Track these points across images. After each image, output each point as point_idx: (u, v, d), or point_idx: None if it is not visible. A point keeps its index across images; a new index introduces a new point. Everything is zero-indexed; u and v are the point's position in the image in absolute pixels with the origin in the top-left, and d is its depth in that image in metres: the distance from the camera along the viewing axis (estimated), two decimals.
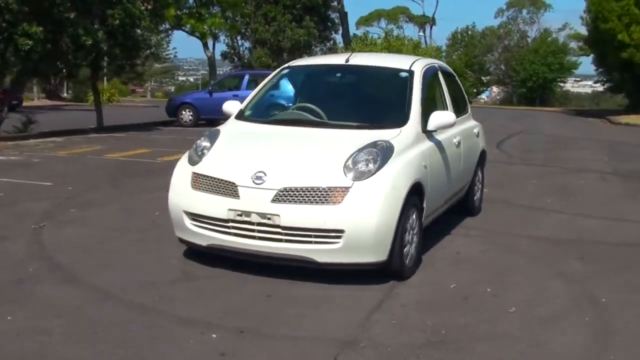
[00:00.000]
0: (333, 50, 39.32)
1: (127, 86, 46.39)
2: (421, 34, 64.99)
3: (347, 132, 5.40)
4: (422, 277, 5.10)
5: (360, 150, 4.91)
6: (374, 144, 4.99)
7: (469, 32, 76.18)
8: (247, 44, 35.35)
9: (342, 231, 4.63)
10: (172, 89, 64.50)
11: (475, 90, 63.78)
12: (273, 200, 4.71)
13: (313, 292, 4.70)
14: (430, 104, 5.88)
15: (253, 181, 4.79)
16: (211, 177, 5.00)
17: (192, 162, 5.24)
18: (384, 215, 4.70)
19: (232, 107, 6.12)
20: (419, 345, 3.85)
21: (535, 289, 4.94)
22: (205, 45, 28.29)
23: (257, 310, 4.35)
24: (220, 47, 68.20)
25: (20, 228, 6.29)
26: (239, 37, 34.33)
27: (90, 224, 6.56)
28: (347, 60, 6.23)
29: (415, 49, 30.36)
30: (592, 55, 61.01)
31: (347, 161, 4.83)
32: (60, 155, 11.81)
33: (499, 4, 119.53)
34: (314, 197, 4.69)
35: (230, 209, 4.82)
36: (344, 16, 34.42)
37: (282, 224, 4.67)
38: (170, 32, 23.98)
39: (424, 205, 5.31)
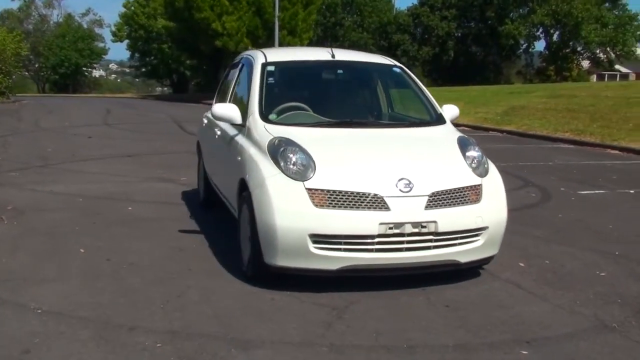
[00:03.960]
0: None
1: None
2: None
3: (415, 131, 5.61)
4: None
5: (464, 146, 5.12)
6: (467, 140, 5.25)
7: None
8: None
9: (485, 228, 4.83)
10: None
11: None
12: (427, 207, 4.61)
13: (455, 294, 4.82)
14: None
15: (400, 190, 4.57)
16: (345, 192, 4.53)
17: (297, 177, 4.60)
18: (507, 207, 5.08)
19: (230, 110, 5.55)
20: None
21: (550, 254, 5.89)
22: None
23: (469, 320, 4.33)
24: None
25: None
26: None
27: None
28: (333, 56, 6.05)
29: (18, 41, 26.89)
30: (126, 41, 62.34)
31: (465, 159, 4.99)
32: None
33: None
34: (458, 198, 4.75)
35: (381, 223, 4.50)
36: None
37: (439, 229, 4.62)
38: None
39: None
